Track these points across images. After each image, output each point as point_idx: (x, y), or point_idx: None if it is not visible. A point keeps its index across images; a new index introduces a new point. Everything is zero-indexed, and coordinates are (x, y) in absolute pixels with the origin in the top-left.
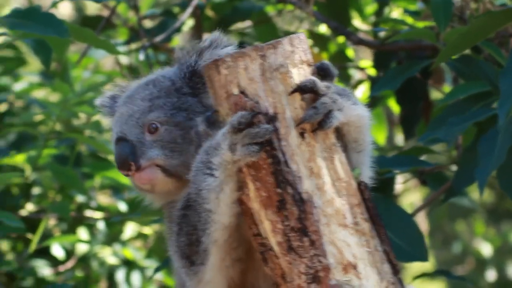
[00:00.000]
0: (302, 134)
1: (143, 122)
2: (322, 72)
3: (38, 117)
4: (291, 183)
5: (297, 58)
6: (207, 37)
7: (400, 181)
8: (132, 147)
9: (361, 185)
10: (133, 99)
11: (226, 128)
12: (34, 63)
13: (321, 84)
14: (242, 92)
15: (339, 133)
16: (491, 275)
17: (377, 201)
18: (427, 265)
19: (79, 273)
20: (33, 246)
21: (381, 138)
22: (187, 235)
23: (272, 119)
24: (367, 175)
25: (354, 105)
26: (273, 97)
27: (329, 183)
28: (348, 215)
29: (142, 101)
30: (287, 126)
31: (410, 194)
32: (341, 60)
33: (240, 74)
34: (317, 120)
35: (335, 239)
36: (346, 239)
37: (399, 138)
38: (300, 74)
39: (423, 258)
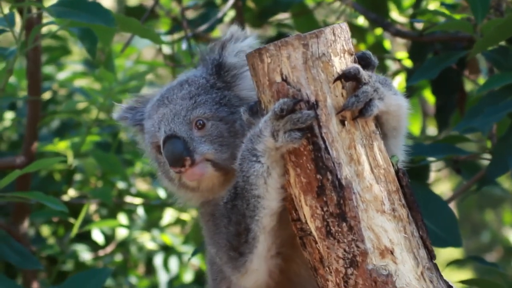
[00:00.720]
0: (342, 122)
1: (190, 119)
2: (363, 61)
3: (82, 105)
4: (331, 169)
5: (339, 47)
6: (227, 31)
7: (434, 170)
8: (184, 143)
9: (399, 172)
10: (171, 100)
11: (268, 115)
12: (77, 53)
13: (364, 73)
14: (285, 80)
15: (379, 121)
16: None
17: (413, 188)
18: (456, 254)
19: (118, 258)
20: (74, 231)
21: (415, 128)
22: (236, 224)
23: (313, 106)
24: (401, 159)
25: (394, 95)
26: (314, 85)
27: (368, 169)
28: (386, 201)
29: (183, 100)
30: (328, 113)
31: (440, 184)
32: (378, 51)
33: (283, 63)
34: (358, 108)
35: (372, 225)
36: (383, 224)
37: (432, 130)
38: (342, 63)
39: (457, 243)
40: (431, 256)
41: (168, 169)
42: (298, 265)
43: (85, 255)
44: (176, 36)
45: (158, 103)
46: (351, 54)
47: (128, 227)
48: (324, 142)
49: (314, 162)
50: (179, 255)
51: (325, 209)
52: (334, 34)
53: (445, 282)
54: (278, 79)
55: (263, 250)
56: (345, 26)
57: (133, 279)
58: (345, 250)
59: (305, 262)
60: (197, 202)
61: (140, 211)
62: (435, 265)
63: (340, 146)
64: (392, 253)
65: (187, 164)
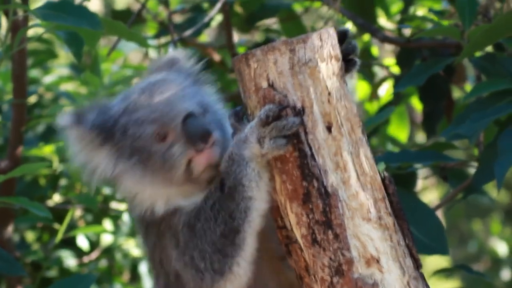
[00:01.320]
0: (329, 128)
1: (203, 102)
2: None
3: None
4: (317, 176)
5: (326, 52)
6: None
7: (421, 177)
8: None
9: (385, 180)
10: (169, 87)
11: (254, 122)
12: (64, 56)
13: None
14: (271, 86)
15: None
16: (506, 274)
17: (399, 195)
18: (443, 263)
19: (103, 264)
20: (59, 236)
21: (403, 136)
22: (223, 225)
23: (299, 112)
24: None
25: None
26: (301, 91)
27: (354, 177)
28: (372, 209)
29: (187, 87)
30: (314, 120)
31: (428, 192)
32: (366, 57)
33: (270, 68)
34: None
35: (358, 233)
36: (369, 233)
37: (420, 137)
38: (329, 68)
39: (444, 251)
40: (418, 265)
41: (171, 156)
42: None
43: (70, 261)
44: (162, 40)
45: (149, 94)
46: (338, 60)
47: (113, 233)
48: (310, 148)
49: (300, 169)
50: None
51: (310, 216)
52: (321, 40)
53: None
54: (265, 84)
55: (250, 253)
56: (332, 31)
57: (118, 286)
58: (330, 258)
59: (275, 274)
60: (181, 201)
61: (126, 217)
62: (421, 275)
63: (326, 153)
64: (378, 261)
65: (210, 142)
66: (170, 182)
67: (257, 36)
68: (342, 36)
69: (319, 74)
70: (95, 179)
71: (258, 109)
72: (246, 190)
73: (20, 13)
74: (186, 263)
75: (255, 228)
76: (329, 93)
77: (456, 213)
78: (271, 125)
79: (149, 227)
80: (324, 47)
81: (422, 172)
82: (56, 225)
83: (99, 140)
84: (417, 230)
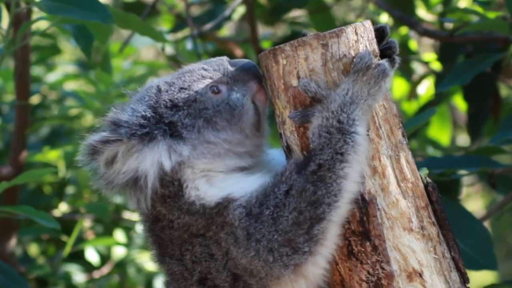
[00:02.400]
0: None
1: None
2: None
3: (74, 111)
4: None
5: (361, 48)
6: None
7: (466, 184)
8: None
9: (428, 186)
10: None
11: (350, 77)
12: (68, 52)
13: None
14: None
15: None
16: None
17: (444, 204)
18: (489, 278)
19: (114, 280)
20: (67, 249)
21: (445, 138)
22: (297, 213)
23: None
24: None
25: None
26: (335, 90)
27: (394, 183)
28: (414, 218)
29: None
30: None
31: (471, 201)
32: (404, 52)
33: (300, 64)
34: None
35: (399, 244)
36: (411, 244)
37: (461, 140)
38: None
39: (492, 266)
40: (464, 280)
41: (236, 101)
42: None
43: (78, 276)
44: (179, 34)
45: (173, 74)
46: (376, 56)
47: (125, 245)
48: None
49: None
50: None
51: (346, 226)
52: (356, 34)
53: None
54: (295, 82)
55: (331, 250)
56: (368, 24)
57: None
58: (368, 273)
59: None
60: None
61: (139, 228)
62: None
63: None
64: (420, 275)
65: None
66: (244, 133)
67: (282, 30)
68: (380, 33)
69: None
70: (150, 185)
71: (287, 109)
72: (344, 166)
73: (23, 5)
74: (253, 257)
75: (342, 218)
76: None
77: (504, 224)
78: (364, 77)
79: (193, 227)
80: (360, 41)
81: (467, 179)
82: (63, 237)
83: (144, 139)
84: (462, 242)
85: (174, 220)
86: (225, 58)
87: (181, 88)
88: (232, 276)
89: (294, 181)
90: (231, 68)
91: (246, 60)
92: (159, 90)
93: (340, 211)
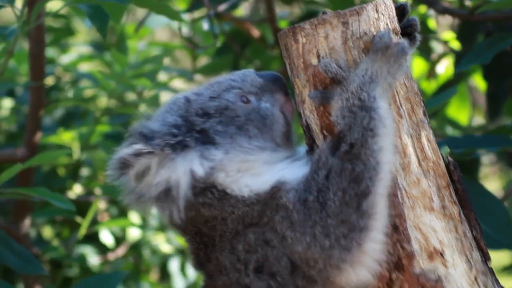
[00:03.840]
0: None
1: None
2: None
3: (89, 92)
4: None
5: (382, 25)
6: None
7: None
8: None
9: (450, 165)
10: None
11: (370, 56)
12: (82, 34)
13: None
14: (319, 62)
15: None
16: None
17: (465, 183)
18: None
19: (129, 262)
20: (82, 231)
21: (463, 118)
22: (342, 192)
23: None
24: None
25: None
26: (356, 68)
27: (415, 162)
28: (435, 197)
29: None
30: None
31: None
32: (422, 31)
33: (320, 43)
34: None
35: (420, 224)
36: (432, 223)
37: (479, 121)
38: None
39: None
40: (486, 259)
41: (266, 110)
42: None
43: (93, 259)
44: (195, 14)
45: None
46: (397, 34)
47: (140, 227)
48: None
49: None
50: None
51: None
52: (377, 11)
53: (501, 287)
54: (314, 61)
55: (384, 223)
56: (389, 2)
57: (145, 286)
58: (389, 252)
59: None
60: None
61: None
62: (491, 269)
63: None
64: (442, 255)
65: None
66: (275, 142)
67: (299, 9)
68: (401, 11)
69: None
70: (182, 194)
71: (307, 88)
72: (377, 140)
73: None
74: (309, 243)
75: (387, 188)
76: None
77: None
78: (383, 57)
79: (247, 218)
80: (380, 19)
81: (485, 159)
82: (77, 219)
83: (176, 148)
84: (482, 222)
85: (227, 217)
86: (252, 70)
87: (211, 97)
88: (290, 264)
89: (330, 164)
90: (259, 79)
91: (271, 72)
92: (187, 100)
93: (383, 182)
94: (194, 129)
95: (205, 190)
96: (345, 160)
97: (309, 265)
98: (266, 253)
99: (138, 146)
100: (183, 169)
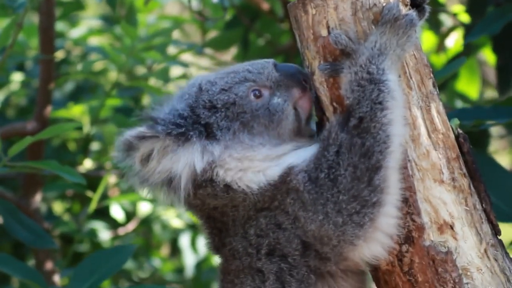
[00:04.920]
0: None
1: None
2: None
3: (99, 65)
4: None
5: None
6: None
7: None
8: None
9: (459, 137)
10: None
11: (378, 29)
12: (92, 8)
13: None
14: (330, 34)
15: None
16: None
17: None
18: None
19: (139, 238)
20: (93, 205)
21: (473, 91)
22: (353, 167)
23: None
24: None
25: None
26: (365, 40)
27: (424, 134)
28: (445, 169)
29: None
30: None
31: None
32: (431, 4)
33: (330, 14)
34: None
35: (430, 196)
36: (442, 196)
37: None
38: None
39: None
40: (496, 232)
41: (276, 106)
42: None
43: (103, 234)
44: None
45: (216, 72)
46: (406, 5)
47: (151, 201)
48: None
49: None
50: None
51: None
52: None
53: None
54: (324, 32)
55: (397, 197)
56: None
57: (156, 261)
58: (399, 225)
59: None
60: (292, 159)
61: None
62: (500, 242)
63: None
64: (451, 228)
65: (307, 85)
66: (281, 138)
67: None
68: None
69: None
70: (183, 186)
71: (317, 59)
72: (386, 113)
73: None
74: (322, 221)
75: (398, 161)
76: None
77: None
78: (392, 29)
79: (259, 203)
80: None
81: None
82: (88, 194)
83: (179, 139)
84: (492, 195)
85: (238, 205)
86: (271, 61)
87: (222, 89)
88: (302, 244)
89: (340, 139)
90: (275, 73)
91: (292, 65)
92: (200, 88)
93: (395, 155)
94: (199, 122)
95: (206, 183)
96: (354, 134)
97: (322, 243)
98: (277, 236)
99: (142, 129)
100: (184, 162)
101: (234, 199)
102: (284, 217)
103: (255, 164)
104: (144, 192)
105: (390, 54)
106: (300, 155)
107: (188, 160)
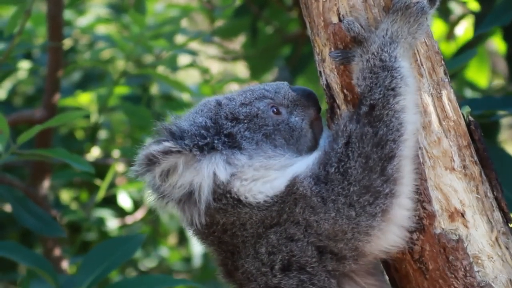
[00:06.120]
0: None
1: None
2: None
3: (106, 54)
4: None
5: None
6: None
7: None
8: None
9: (471, 125)
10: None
11: (390, 17)
12: None
13: None
14: (342, 21)
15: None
16: None
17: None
18: None
19: (146, 226)
20: (101, 193)
21: (483, 80)
22: (366, 158)
23: None
24: None
25: None
26: (376, 27)
27: (435, 121)
28: (456, 157)
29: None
30: None
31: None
32: None
33: (340, 1)
34: None
35: (441, 184)
36: (453, 183)
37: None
38: None
39: None
40: (507, 220)
41: (295, 124)
42: None
43: (111, 222)
44: None
45: (236, 90)
46: None
47: None
48: None
49: None
50: None
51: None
52: None
53: None
54: (335, 19)
55: (411, 187)
56: None
57: (163, 251)
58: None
59: None
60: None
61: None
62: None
63: None
64: (462, 215)
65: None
66: (299, 153)
67: None
68: None
69: None
70: (204, 198)
71: (327, 47)
72: (399, 99)
73: None
74: (335, 217)
75: (412, 150)
76: None
77: None
78: (403, 16)
79: (267, 220)
80: None
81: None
82: (96, 182)
83: (204, 150)
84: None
85: (246, 223)
86: (286, 83)
87: (243, 103)
88: (317, 250)
89: (350, 130)
90: (292, 93)
91: (306, 87)
92: (219, 103)
93: (408, 143)
94: (222, 132)
95: (222, 196)
96: (365, 123)
97: (337, 239)
98: (291, 249)
99: (168, 144)
100: (207, 172)
101: (241, 216)
102: (295, 228)
103: (269, 173)
104: (161, 209)
105: (402, 42)
106: (303, 163)
107: (211, 170)
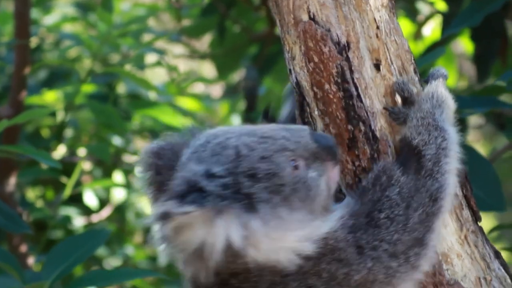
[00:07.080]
0: (377, 66)
1: None
2: None
3: (73, 53)
4: (363, 119)
5: None
6: None
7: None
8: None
9: None
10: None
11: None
12: None
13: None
14: (312, 19)
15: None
16: None
17: None
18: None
19: (112, 225)
20: (68, 191)
21: (449, 80)
22: (414, 211)
23: (344, 48)
24: None
25: None
26: (346, 25)
27: None
28: None
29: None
30: (360, 56)
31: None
32: None
33: None
34: None
35: None
36: None
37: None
38: (377, 0)
39: (500, 207)
40: (476, 218)
41: (313, 181)
42: None
43: (77, 221)
44: None
45: (253, 136)
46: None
47: (125, 186)
48: (356, 88)
49: (345, 111)
50: None
51: (356, 163)
52: None
53: (492, 247)
54: (305, 17)
55: (437, 235)
56: None
57: (129, 249)
58: None
59: None
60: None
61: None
62: (481, 228)
63: (374, 93)
64: None
65: (338, 158)
66: (313, 214)
67: None
68: None
69: (366, 5)
70: (214, 258)
71: (297, 44)
72: (448, 160)
73: None
74: (371, 268)
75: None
76: (378, 27)
77: (504, 171)
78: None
79: (282, 273)
80: None
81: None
82: (62, 179)
83: (216, 208)
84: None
85: (264, 270)
86: (307, 128)
87: (262, 157)
88: None
89: (402, 181)
90: (313, 144)
91: (327, 136)
92: (238, 154)
93: (450, 199)
94: (240, 192)
95: (234, 257)
96: (419, 177)
97: (363, 286)
98: None
99: (191, 208)
100: (221, 234)
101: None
102: (315, 279)
103: (289, 244)
104: (169, 257)
105: (445, 107)
106: (331, 218)
107: (226, 233)
